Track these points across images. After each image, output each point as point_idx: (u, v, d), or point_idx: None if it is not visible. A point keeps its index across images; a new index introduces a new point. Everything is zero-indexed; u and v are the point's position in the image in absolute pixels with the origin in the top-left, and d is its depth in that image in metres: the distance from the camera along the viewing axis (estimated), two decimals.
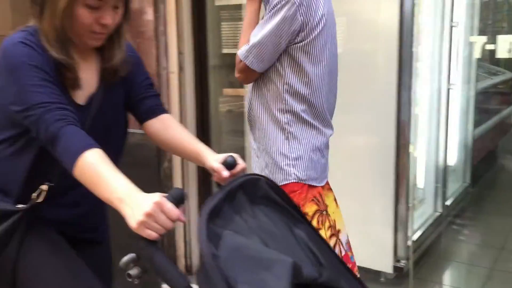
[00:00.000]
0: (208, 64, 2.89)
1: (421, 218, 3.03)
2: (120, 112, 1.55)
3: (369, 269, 2.55)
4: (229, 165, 1.33)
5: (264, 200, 1.23)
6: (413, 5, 2.39)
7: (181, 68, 2.78)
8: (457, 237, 3.40)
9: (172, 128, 1.55)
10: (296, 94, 1.77)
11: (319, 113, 1.82)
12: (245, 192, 1.18)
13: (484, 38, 3.38)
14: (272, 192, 1.24)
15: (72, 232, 1.51)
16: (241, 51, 1.79)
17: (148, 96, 1.57)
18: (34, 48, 1.31)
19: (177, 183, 2.84)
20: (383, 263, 2.57)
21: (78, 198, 1.48)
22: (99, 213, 1.62)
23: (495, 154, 4.92)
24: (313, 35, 1.73)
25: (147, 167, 2.72)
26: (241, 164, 1.37)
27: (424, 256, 2.89)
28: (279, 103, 1.78)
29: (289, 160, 1.79)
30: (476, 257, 3.15)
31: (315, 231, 1.28)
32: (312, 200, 1.81)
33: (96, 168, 1.18)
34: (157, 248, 1.08)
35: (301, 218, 1.28)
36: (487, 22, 4.38)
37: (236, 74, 1.86)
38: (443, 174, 3.26)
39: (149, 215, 1.04)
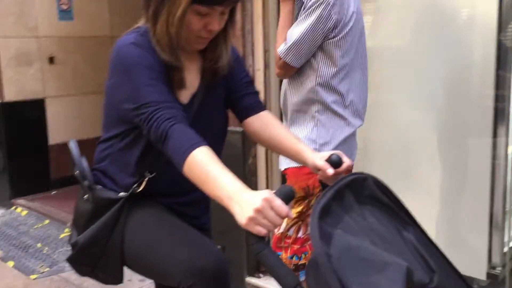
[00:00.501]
0: None
1: None
2: (221, 110, 1.58)
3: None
4: (334, 163, 1.31)
5: (371, 200, 1.19)
6: None
7: (266, 66, 2.78)
8: None
9: (271, 125, 1.55)
10: (327, 86, 1.93)
11: (349, 104, 1.96)
12: (352, 192, 1.15)
13: None
14: (379, 192, 1.20)
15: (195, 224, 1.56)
16: (280, 50, 1.95)
17: (248, 94, 1.58)
18: (146, 49, 1.37)
19: (261, 178, 2.85)
20: (477, 269, 2.44)
21: (181, 188, 1.52)
22: (202, 204, 1.66)
23: None
24: (345, 31, 1.88)
25: (232, 163, 2.74)
26: (346, 161, 1.34)
27: None
28: (311, 94, 1.95)
29: (316, 145, 1.94)
30: None
31: (425, 233, 1.23)
32: None
33: (204, 166, 1.20)
34: (267, 245, 1.08)
35: (409, 220, 1.23)
36: None
37: (276, 71, 2.05)
38: None
39: (258, 211, 1.05)
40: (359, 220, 1.12)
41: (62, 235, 4.00)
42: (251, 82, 1.64)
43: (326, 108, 1.95)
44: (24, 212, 4.49)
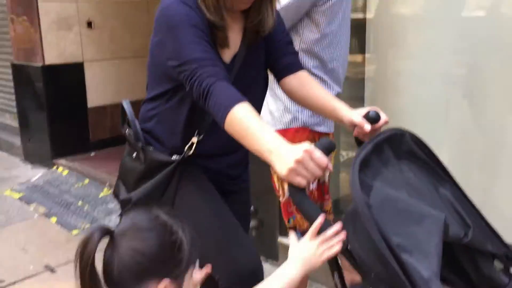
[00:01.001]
0: None
1: None
2: (261, 70, 1.60)
3: None
4: (372, 119, 1.32)
5: (409, 156, 1.21)
6: None
7: None
8: None
9: (308, 84, 1.57)
10: (309, 52, 1.96)
11: (329, 69, 2.00)
12: (391, 147, 1.17)
13: None
14: (417, 148, 1.22)
15: (218, 183, 1.60)
16: None
17: (287, 54, 1.60)
18: (192, 8, 1.38)
19: None
20: None
21: (225, 150, 1.57)
22: (243, 163, 1.71)
23: None
24: (333, 0, 1.91)
25: None
26: (383, 118, 1.35)
27: None
28: None
29: (298, 107, 1.96)
30: None
31: (461, 190, 1.24)
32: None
33: (245, 122, 1.23)
34: (306, 196, 1.12)
35: (446, 177, 1.24)
36: None
37: None
38: None
39: (299, 162, 1.07)
40: (397, 174, 1.15)
41: (101, 194, 4.16)
42: (290, 42, 1.64)
43: (309, 72, 1.93)
44: (65, 172, 4.67)
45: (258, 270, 1.47)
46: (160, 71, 1.49)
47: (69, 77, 4.92)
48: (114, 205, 3.93)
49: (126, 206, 1.58)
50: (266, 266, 2.83)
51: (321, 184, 2.15)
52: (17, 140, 5.43)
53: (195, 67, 1.33)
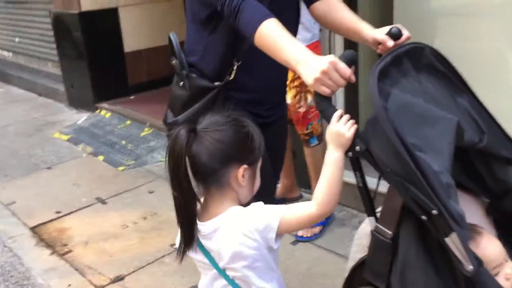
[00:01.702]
0: None
1: None
2: (294, 2, 1.65)
3: None
4: (394, 35, 1.38)
5: (428, 68, 1.28)
6: None
7: None
8: None
9: (336, 8, 1.62)
10: None
11: None
12: (410, 59, 1.25)
13: None
14: (436, 61, 1.29)
15: (258, 110, 1.69)
16: None
17: None
18: None
19: None
20: None
21: (263, 76, 1.65)
22: (280, 90, 1.81)
23: None
24: None
25: None
26: (405, 34, 1.41)
27: None
28: None
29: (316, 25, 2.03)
30: None
31: (478, 100, 1.32)
32: None
33: (274, 34, 1.32)
34: (331, 104, 1.22)
35: (464, 88, 1.31)
36: None
37: None
38: None
39: (324, 72, 1.17)
40: (416, 84, 1.23)
41: (142, 133, 4.36)
42: None
43: None
44: (108, 114, 4.89)
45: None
46: (197, 2, 1.58)
47: (105, 23, 5.04)
48: (155, 143, 4.15)
49: (172, 128, 1.72)
50: (305, 195, 3.01)
51: None
52: (60, 87, 5.67)
53: None
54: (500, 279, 1.17)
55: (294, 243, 2.65)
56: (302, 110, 2.57)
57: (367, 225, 1.36)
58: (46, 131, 4.83)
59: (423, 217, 1.07)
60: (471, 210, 1.34)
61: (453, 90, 1.30)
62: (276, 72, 1.68)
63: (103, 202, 3.34)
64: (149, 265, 2.59)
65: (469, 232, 1.09)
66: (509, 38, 2.40)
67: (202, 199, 1.29)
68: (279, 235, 1.23)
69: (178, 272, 2.49)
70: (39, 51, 6.52)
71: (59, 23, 5.32)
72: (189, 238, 1.28)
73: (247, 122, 1.29)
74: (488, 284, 1.06)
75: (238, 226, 1.22)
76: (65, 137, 4.59)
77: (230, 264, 1.24)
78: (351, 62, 1.22)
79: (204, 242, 1.28)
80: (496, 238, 1.31)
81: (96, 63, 5.05)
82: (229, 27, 1.52)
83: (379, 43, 1.42)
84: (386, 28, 1.41)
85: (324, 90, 1.19)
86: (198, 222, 1.28)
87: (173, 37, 1.71)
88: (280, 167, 2.00)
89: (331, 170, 1.21)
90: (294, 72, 2.33)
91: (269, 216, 1.22)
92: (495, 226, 1.40)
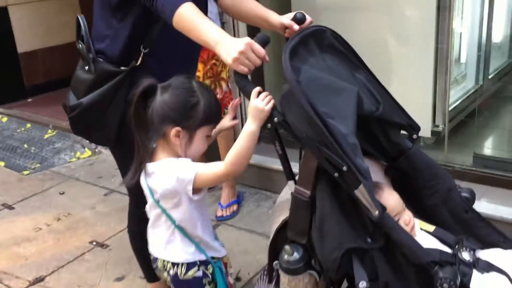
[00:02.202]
0: None
1: (462, 90, 3.21)
2: None
3: None
4: (299, 20, 1.54)
5: (330, 49, 1.47)
6: None
7: None
8: (495, 107, 3.57)
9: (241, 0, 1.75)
10: None
11: None
12: (315, 40, 1.42)
13: None
14: (336, 42, 1.47)
15: None
16: None
17: None
18: None
19: None
20: (422, 129, 2.80)
21: (171, 62, 1.72)
22: (193, 71, 1.88)
23: None
24: None
25: None
26: (309, 19, 1.57)
27: (462, 124, 3.11)
28: None
29: None
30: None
31: (373, 75, 1.52)
32: None
33: (193, 17, 1.42)
34: (249, 82, 1.35)
35: (360, 64, 1.51)
36: None
37: None
38: (485, 49, 3.35)
39: (242, 53, 1.30)
40: (321, 62, 1.40)
41: (46, 136, 4.22)
42: None
43: None
44: (5, 119, 4.65)
45: None
46: None
47: None
48: (61, 144, 4.04)
49: (74, 110, 1.72)
50: None
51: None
52: None
53: None
54: (400, 224, 1.38)
55: (215, 226, 2.76)
56: (219, 97, 2.70)
57: (286, 192, 1.51)
58: None
59: (336, 174, 1.24)
60: (373, 171, 1.52)
61: (351, 67, 1.49)
62: (185, 59, 1.76)
63: (10, 207, 3.20)
64: (70, 264, 2.56)
65: (372, 185, 1.27)
66: (390, 30, 2.73)
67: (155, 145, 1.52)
68: (197, 188, 1.45)
69: (101, 266, 2.50)
70: None
71: None
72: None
73: (199, 92, 1.46)
74: (391, 226, 1.25)
75: (165, 173, 1.47)
76: None
77: (161, 199, 1.50)
78: (265, 43, 1.36)
79: (147, 178, 1.52)
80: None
81: None
82: (137, 14, 1.59)
83: (286, 28, 1.57)
84: (291, 15, 1.57)
85: (242, 69, 1.32)
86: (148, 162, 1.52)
87: (81, 19, 1.74)
88: None
89: (244, 139, 1.38)
90: (207, 61, 2.36)
91: (188, 170, 1.44)
92: (392, 184, 1.63)
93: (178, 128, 1.43)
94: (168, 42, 1.65)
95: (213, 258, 1.58)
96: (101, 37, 1.71)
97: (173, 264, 1.54)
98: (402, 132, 1.58)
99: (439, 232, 1.44)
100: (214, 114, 1.49)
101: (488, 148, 3.18)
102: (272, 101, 1.33)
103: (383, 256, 1.27)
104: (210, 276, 1.57)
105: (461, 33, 3.22)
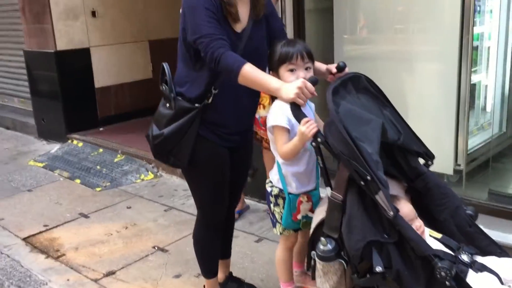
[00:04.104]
0: None
1: (487, 135, 3.48)
2: (264, 42, 2.10)
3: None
4: (341, 68, 1.92)
5: (364, 90, 1.87)
6: None
7: None
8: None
9: None
10: None
11: None
12: (352, 83, 1.82)
13: None
14: (369, 85, 1.87)
15: (227, 135, 2.09)
16: None
17: (284, 35, 2.13)
18: None
19: None
20: (446, 167, 3.07)
21: (235, 103, 2.07)
22: (249, 118, 2.22)
23: None
24: None
25: None
26: (347, 68, 1.95)
27: (482, 164, 3.35)
28: None
29: None
30: None
31: (396, 111, 1.89)
32: None
33: (255, 73, 1.82)
34: (301, 112, 1.75)
35: (387, 103, 1.89)
36: None
37: None
38: (509, 100, 3.62)
39: (300, 88, 1.72)
40: (356, 99, 1.79)
41: (116, 159, 4.73)
42: (284, 29, 2.18)
43: None
44: (80, 144, 5.22)
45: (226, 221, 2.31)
46: (186, 40, 1.95)
47: (78, 61, 5.44)
48: (129, 167, 4.53)
49: (157, 139, 2.05)
50: (260, 205, 3.47)
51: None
52: (30, 120, 5.92)
53: (208, 40, 1.83)
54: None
55: (257, 241, 3.12)
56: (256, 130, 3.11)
57: (324, 200, 1.86)
58: (20, 159, 5.09)
59: (361, 182, 1.59)
60: (396, 188, 1.88)
61: (380, 105, 1.88)
62: (246, 102, 2.13)
63: (86, 216, 3.66)
64: (136, 262, 2.96)
65: (389, 192, 1.60)
66: (419, 81, 3.09)
67: None
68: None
69: (162, 266, 2.89)
70: (4, 87, 6.75)
71: (33, 61, 5.63)
72: None
73: None
74: (402, 225, 1.58)
75: None
76: (40, 164, 4.86)
77: None
78: (315, 83, 1.78)
79: None
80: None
81: (69, 98, 5.38)
82: (206, 66, 1.93)
83: (330, 72, 1.95)
84: (335, 64, 1.97)
85: (300, 101, 1.73)
86: None
87: (166, 67, 2.08)
88: (243, 184, 2.46)
89: (291, 147, 1.87)
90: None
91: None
92: (411, 201, 1.94)
93: None
94: (233, 87, 1.94)
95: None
96: (181, 83, 2.05)
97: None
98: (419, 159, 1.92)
99: (445, 239, 1.75)
100: None
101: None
102: (316, 128, 1.72)
103: (396, 249, 1.58)
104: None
105: (486, 85, 3.54)
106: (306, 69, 1.93)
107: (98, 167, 4.61)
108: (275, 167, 2.06)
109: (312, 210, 2.02)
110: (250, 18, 2.03)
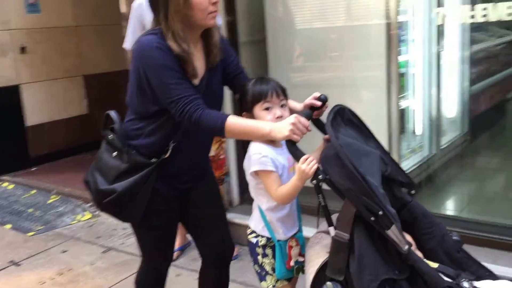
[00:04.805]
0: None
1: (419, 157, 3.63)
2: (220, 87, 1.91)
3: None
4: (324, 100, 1.78)
5: (349, 122, 1.71)
6: None
7: None
8: (447, 173, 3.91)
9: None
10: None
11: None
12: (340, 116, 1.67)
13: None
14: (352, 117, 1.73)
15: (177, 184, 1.91)
16: None
17: (240, 72, 1.93)
18: (166, 51, 1.65)
19: None
20: None
21: (192, 152, 1.88)
22: (205, 161, 2.05)
23: (498, 109, 5.22)
24: None
25: None
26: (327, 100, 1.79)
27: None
28: None
29: None
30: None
31: (380, 143, 1.76)
32: None
33: (241, 123, 1.67)
34: (298, 149, 1.59)
35: (371, 135, 1.76)
36: None
37: None
38: (436, 123, 3.81)
39: (293, 124, 1.55)
40: (347, 132, 1.65)
41: (49, 201, 4.30)
42: (239, 62, 1.94)
43: None
44: (11, 186, 4.72)
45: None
46: (146, 96, 1.72)
47: (7, 99, 5.00)
48: (64, 208, 4.14)
49: (107, 196, 1.79)
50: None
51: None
52: None
53: (182, 104, 1.65)
54: None
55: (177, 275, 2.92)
56: (222, 156, 3.09)
57: (313, 240, 1.75)
58: None
59: (372, 218, 1.43)
60: None
61: (364, 137, 1.73)
62: (203, 147, 1.96)
63: (17, 264, 3.24)
64: None
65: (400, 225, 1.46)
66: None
67: None
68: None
69: None
70: None
71: None
72: None
73: None
74: (415, 259, 1.45)
75: None
76: None
77: None
78: (308, 117, 1.64)
79: None
80: None
81: None
82: (171, 121, 1.72)
83: (311, 107, 1.78)
84: (315, 95, 1.80)
85: (296, 138, 1.56)
86: None
87: (114, 114, 1.84)
88: (224, 230, 2.11)
89: (289, 189, 1.67)
90: None
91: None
92: None
93: None
94: (188, 138, 1.79)
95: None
96: (134, 135, 1.81)
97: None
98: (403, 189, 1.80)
99: (442, 268, 1.63)
100: None
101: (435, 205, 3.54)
102: (316, 165, 1.54)
103: (408, 285, 1.46)
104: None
105: (414, 110, 3.71)
106: (282, 106, 1.76)
107: (30, 210, 4.17)
108: (257, 215, 1.84)
109: (301, 254, 1.84)
110: (206, 68, 1.80)
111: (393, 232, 1.45)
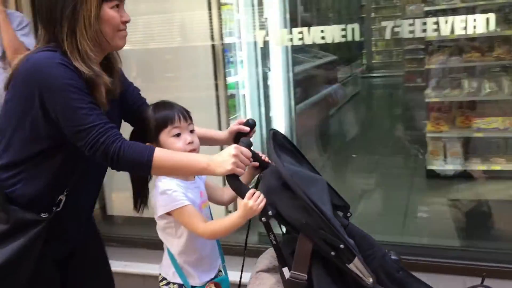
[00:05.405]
0: None
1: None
2: (119, 118, 1.64)
3: None
4: (252, 125, 1.70)
5: (283, 147, 1.63)
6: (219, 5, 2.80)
7: None
8: None
9: None
10: None
11: None
12: (274, 141, 1.59)
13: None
14: (285, 141, 1.66)
15: (59, 244, 1.57)
16: None
17: (143, 103, 1.71)
18: (74, 70, 1.35)
19: None
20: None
21: (84, 202, 1.63)
22: (91, 211, 1.75)
23: (323, 125, 5.59)
24: None
25: None
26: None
27: None
28: None
29: None
30: None
31: (313, 166, 1.70)
32: None
33: (172, 158, 1.41)
34: (241, 183, 1.43)
35: (303, 158, 1.70)
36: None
37: None
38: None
39: (235, 156, 1.35)
40: (285, 159, 1.55)
41: None
42: (139, 92, 1.73)
43: None
44: None
45: None
46: (34, 131, 1.40)
47: None
48: None
49: None
50: None
51: None
52: None
53: (95, 134, 1.34)
54: None
55: None
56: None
57: (260, 280, 1.59)
58: None
59: (332, 253, 1.33)
60: None
61: (299, 160, 1.66)
62: (93, 196, 1.68)
63: None
64: None
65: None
66: None
67: None
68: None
69: None
70: None
71: None
72: None
73: None
74: None
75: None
76: None
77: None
78: (249, 146, 1.48)
79: None
80: None
81: None
82: (61, 159, 1.43)
83: (238, 133, 1.68)
84: (241, 121, 1.73)
85: (240, 171, 1.37)
86: None
87: None
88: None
89: (226, 226, 1.47)
90: None
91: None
92: None
93: None
94: (86, 174, 1.51)
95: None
96: (10, 183, 1.44)
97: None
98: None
99: None
100: None
101: None
102: (264, 201, 1.38)
103: None
104: None
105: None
106: (191, 131, 1.60)
107: None
108: (166, 259, 1.62)
109: None
110: (107, 98, 1.49)
111: (355, 265, 1.36)
